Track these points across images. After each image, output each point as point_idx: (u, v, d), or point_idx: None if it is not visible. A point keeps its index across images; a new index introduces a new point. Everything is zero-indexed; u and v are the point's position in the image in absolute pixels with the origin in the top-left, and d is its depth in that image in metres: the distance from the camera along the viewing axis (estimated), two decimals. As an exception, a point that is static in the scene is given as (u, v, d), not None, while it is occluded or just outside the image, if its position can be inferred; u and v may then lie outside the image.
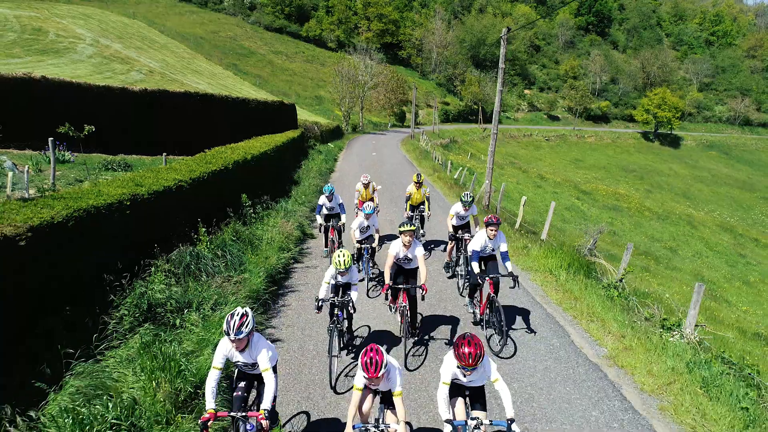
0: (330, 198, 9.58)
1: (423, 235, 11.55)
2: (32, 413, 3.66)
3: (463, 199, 8.72)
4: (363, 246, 8.75)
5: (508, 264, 6.89)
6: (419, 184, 10.96)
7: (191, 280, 6.55)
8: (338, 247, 8.76)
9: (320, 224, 9.69)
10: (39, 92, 16.74)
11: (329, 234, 9.76)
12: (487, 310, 6.97)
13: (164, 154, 12.72)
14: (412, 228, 6.33)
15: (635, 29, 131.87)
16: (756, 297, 21.31)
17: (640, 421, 5.15)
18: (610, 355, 6.46)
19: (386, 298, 6.94)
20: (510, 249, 11.62)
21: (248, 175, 11.75)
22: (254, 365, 3.94)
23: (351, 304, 5.93)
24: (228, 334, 3.64)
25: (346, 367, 6.05)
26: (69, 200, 5.58)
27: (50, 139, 9.88)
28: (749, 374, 5.50)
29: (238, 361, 3.95)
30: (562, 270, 8.87)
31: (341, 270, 5.85)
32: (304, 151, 25.85)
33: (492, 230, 6.84)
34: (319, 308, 5.72)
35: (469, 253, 7.03)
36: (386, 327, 7.25)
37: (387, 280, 6.19)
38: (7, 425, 3.46)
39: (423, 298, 6.26)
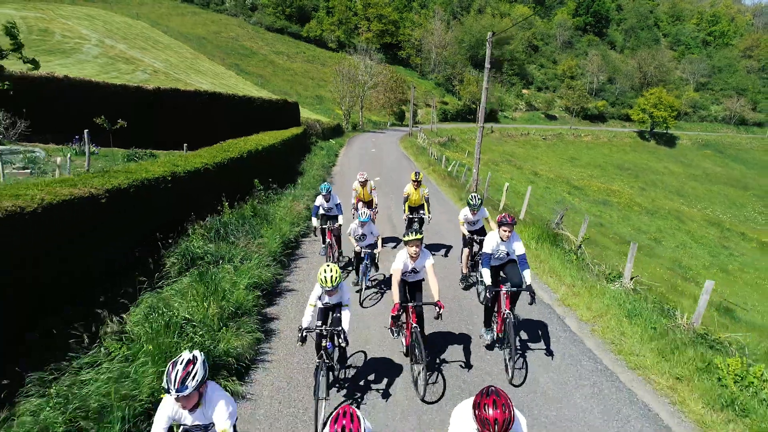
0: (327, 197, 8.79)
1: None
2: (123, 315, 5.12)
3: (470, 202, 7.85)
4: (363, 251, 7.77)
5: (527, 273, 5.80)
6: (418, 183, 9.78)
7: (221, 242, 8.02)
8: (337, 252, 8.79)
9: (315, 227, 8.89)
10: (61, 90, 18.18)
11: (326, 237, 8.94)
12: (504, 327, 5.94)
13: (185, 144, 14.18)
14: (419, 237, 5.51)
15: (633, 29, 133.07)
16: (730, 282, 22.68)
17: (574, 338, 6.87)
18: (560, 298, 8.17)
19: (395, 323, 6.05)
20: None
21: (259, 163, 13.20)
22: (208, 427, 3.16)
23: (343, 336, 4.82)
24: (169, 391, 2.90)
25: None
26: (127, 173, 7.03)
27: (86, 130, 11.30)
28: (667, 308, 6.96)
29: (186, 424, 3.17)
30: (532, 240, 10.34)
31: (328, 288, 4.81)
32: (306, 147, 27.29)
33: (505, 231, 5.85)
34: (303, 339, 4.77)
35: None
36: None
37: (396, 298, 5.27)
38: (109, 322, 4.88)
39: (439, 317, 5.32)
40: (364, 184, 9.94)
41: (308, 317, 4.85)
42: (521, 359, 6.07)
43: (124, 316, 5.19)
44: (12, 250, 4.51)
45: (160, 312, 5.32)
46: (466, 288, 8.43)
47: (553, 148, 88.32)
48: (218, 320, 5.59)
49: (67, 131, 16.92)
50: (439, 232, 12.21)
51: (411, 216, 9.76)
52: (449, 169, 23.49)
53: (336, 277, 4.80)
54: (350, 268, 9.04)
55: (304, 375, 5.56)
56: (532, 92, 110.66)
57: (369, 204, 9.96)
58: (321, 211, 9.01)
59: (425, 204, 9.85)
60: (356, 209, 9.24)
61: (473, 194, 8.01)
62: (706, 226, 39.10)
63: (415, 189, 9.83)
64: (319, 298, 5.08)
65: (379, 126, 68.50)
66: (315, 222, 8.92)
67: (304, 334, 4.76)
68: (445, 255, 10.37)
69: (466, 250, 8.36)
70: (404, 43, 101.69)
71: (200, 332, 5.26)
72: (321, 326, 4.99)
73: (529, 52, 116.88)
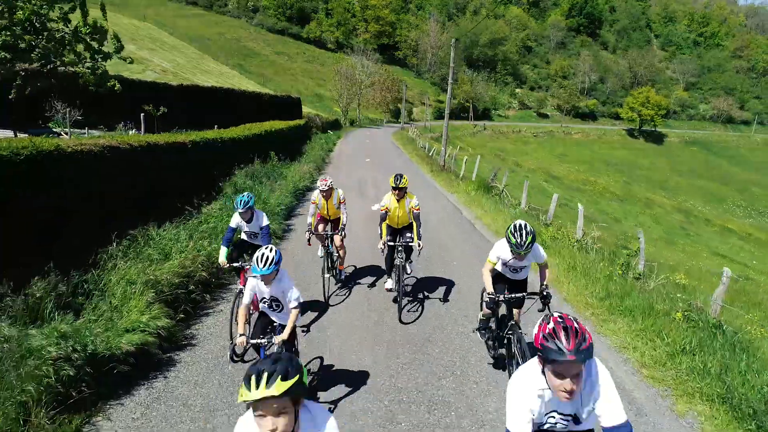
0: (247, 215, 5.54)
1: (409, 275, 7.32)
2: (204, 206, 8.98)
3: (513, 239, 4.13)
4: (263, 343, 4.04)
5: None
6: (400, 191, 6.33)
7: (253, 181, 11.87)
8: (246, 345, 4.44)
9: (228, 265, 5.47)
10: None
11: (239, 279, 5.67)
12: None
13: (215, 126, 17.94)
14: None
15: (625, 30, 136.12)
16: (668, 248, 26.24)
17: (474, 231, 10.68)
18: (476, 216, 12.02)
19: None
20: (443, 183, 16.14)
21: (273, 140, 17.00)
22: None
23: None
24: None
25: None
26: (196, 135, 10.78)
27: (142, 114, 14.99)
28: (545, 217, 10.79)
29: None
30: (472, 191, 14.43)
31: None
32: (308, 136, 30.99)
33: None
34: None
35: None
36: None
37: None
38: (204, 204, 8.68)
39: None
40: (327, 194, 6.82)
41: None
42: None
43: (204, 208, 8.99)
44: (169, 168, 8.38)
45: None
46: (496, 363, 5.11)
47: (544, 145, 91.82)
48: (263, 210, 9.53)
49: (113, 120, 20.59)
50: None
51: (392, 243, 6.46)
52: (430, 154, 27.29)
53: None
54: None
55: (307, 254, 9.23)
56: (525, 91, 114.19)
57: (335, 223, 7.08)
58: (242, 236, 5.81)
59: (414, 224, 6.43)
60: (313, 232, 6.77)
61: (519, 223, 4.21)
62: (673, 213, 42.71)
63: (398, 201, 6.40)
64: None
65: (375, 123, 72.23)
66: (223, 256, 5.44)
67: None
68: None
69: (489, 314, 4.95)
70: (401, 44, 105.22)
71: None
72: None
73: (522, 53, 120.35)
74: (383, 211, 6.47)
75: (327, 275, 6.78)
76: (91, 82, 11.20)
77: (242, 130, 14.27)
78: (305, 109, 45.87)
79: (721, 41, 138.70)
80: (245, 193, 5.55)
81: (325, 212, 7.09)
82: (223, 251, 5.48)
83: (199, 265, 6.33)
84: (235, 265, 5.39)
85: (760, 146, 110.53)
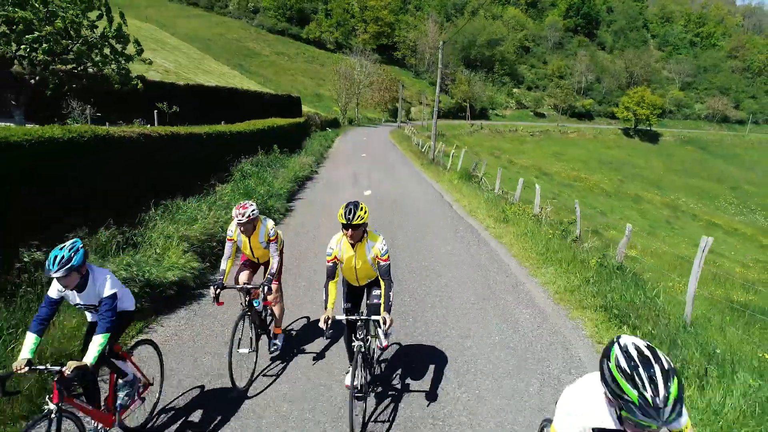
0: (69, 280, 3.21)
1: (382, 352, 4.96)
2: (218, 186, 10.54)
3: (635, 391, 1.67)
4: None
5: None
6: (354, 232, 3.85)
7: (258, 168, 13.45)
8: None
9: (27, 372, 3.06)
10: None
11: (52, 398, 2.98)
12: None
13: (222, 121, 19.46)
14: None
15: (622, 31, 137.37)
16: (649, 238, 27.74)
17: (450, 209, 12.12)
18: (455, 199, 13.58)
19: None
20: (431, 174, 17.81)
21: (276, 135, 18.55)
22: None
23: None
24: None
25: None
26: (209, 128, 12.34)
27: (155, 111, 16.51)
28: (505, 197, 12.39)
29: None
30: (455, 180, 15.92)
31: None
32: (308, 133, 32.58)
33: None
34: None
35: None
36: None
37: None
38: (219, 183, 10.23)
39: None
40: (248, 228, 4.65)
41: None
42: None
43: (217, 188, 10.57)
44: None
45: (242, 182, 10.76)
46: None
47: (540, 144, 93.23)
48: (267, 191, 11.05)
49: (127, 117, 22.11)
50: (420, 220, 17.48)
51: (351, 317, 4.02)
52: (423, 150, 28.89)
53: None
54: None
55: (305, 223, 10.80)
56: (523, 91, 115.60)
57: (264, 266, 5.07)
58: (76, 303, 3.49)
59: (382, 282, 4.06)
60: (221, 288, 4.49)
61: (640, 347, 1.77)
62: (660, 208, 44.21)
63: (353, 246, 4.03)
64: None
65: (373, 122, 73.79)
66: (27, 352, 3.07)
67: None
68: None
69: None
70: (399, 45, 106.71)
71: (261, 192, 10.70)
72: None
73: (520, 53, 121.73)
74: (330, 263, 4.03)
75: (243, 349, 4.48)
76: (116, 81, 12.75)
77: (247, 125, 15.84)
78: (305, 108, 47.42)
79: (718, 41, 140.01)
80: (67, 244, 3.23)
81: (249, 253, 4.87)
82: (29, 343, 3.10)
83: (219, 228, 7.89)
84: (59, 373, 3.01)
85: (754, 145, 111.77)
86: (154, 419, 3.99)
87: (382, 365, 4.80)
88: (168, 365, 4.52)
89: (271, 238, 4.75)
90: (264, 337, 4.95)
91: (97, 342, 3.12)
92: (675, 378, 1.66)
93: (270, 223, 4.80)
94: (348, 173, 18.15)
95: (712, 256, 25.88)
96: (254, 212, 4.56)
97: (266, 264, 4.99)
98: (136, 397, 3.79)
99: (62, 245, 3.18)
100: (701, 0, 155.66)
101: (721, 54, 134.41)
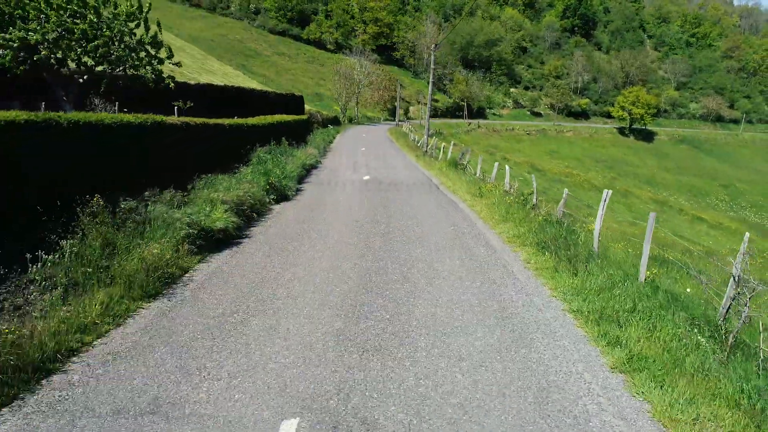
0: None
1: None
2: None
3: None
4: None
5: None
6: None
7: (272, 155, 15.54)
8: None
9: None
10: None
11: None
12: None
13: (235, 116, 21.53)
14: None
15: (619, 31, 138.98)
16: (630, 227, 29.84)
17: (439, 191, 14.14)
18: (441, 182, 15.70)
19: None
20: (423, 164, 20.00)
21: (283, 129, 20.63)
22: None
23: None
24: None
25: None
26: (230, 121, 14.42)
27: (176, 107, 18.51)
28: (483, 179, 14.46)
29: None
30: (443, 167, 18.05)
31: None
32: (311, 129, 34.73)
33: None
34: None
35: None
36: None
37: None
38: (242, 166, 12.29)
39: None
40: None
41: None
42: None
43: (240, 169, 12.68)
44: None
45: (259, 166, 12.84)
46: None
47: (536, 142, 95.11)
48: (281, 173, 13.10)
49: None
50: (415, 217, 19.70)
51: None
52: (419, 145, 31.06)
53: None
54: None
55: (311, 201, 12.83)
56: (520, 91, 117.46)
57: None
58: None
59: None
60: None
61: None
62: (648, 203, 46.20)
63: None
64: None
65: (372, 120, 75.89)
66: None
67: None
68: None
69: None
70: (398, 45, 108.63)
71: (277, 173, 12.76)
72: None
73: (517, 53, 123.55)
74: None
75: None
76: (151, 81, 14.76)
77: (260, 119, 17.94)
78: (306, 107, 49.56)
79: (714, 42, 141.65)
80: None
81: None
82: None
83: (248, 197, 10.01)
84: None
85: (747, 144, 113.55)
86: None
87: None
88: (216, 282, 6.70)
89: None
90: None
91: None
92: None
93: None
94: (349, 163, 20.26)
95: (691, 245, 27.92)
96: None
97: None
98: None
99: None
100: (698, 0, 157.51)
101: (717, 54, 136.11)
